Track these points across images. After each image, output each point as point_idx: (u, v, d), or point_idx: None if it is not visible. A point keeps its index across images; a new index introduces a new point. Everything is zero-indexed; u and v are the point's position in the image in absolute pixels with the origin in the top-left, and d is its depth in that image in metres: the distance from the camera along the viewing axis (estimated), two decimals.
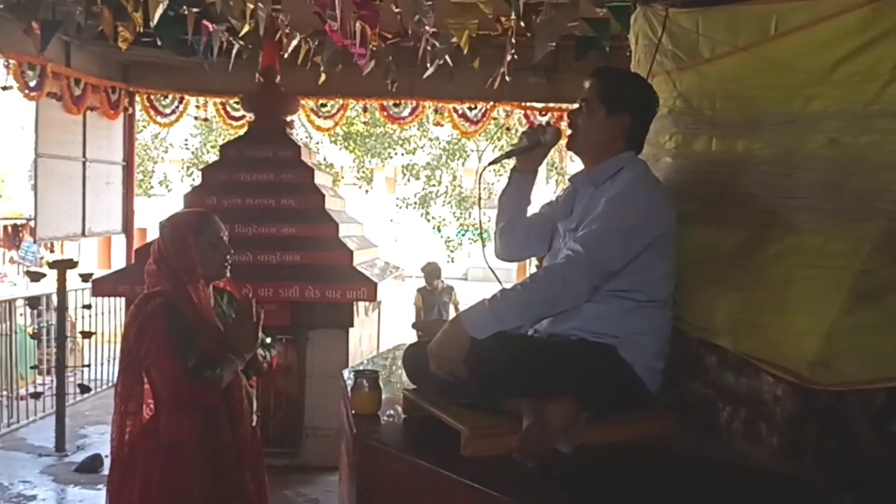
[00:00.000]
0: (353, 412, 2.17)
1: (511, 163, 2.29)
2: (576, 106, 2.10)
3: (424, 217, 16.80)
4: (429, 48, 4.76)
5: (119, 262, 13.65)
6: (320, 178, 5.57)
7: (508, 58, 4.96)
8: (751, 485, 1.78)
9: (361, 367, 2.56)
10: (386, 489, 1.96)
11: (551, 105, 7.29)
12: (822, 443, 1.71)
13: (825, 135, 1.84)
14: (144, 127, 11.95)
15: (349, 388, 2.30)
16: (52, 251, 11.04)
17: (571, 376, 1.89)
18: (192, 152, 16.60)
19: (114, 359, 7.32)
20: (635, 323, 1.96)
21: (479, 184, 2.81)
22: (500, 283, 2.29)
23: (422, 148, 16.32)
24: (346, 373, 2.62)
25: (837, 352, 1.71)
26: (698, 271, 2.09)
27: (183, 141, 16.66)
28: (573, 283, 1.87)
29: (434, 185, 16.60)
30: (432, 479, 1.82)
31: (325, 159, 15.83)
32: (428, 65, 4.92)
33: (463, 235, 16.97)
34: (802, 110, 1.89)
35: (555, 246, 2.15)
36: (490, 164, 2.36)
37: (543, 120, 7.10)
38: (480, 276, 21.87)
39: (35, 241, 8.27)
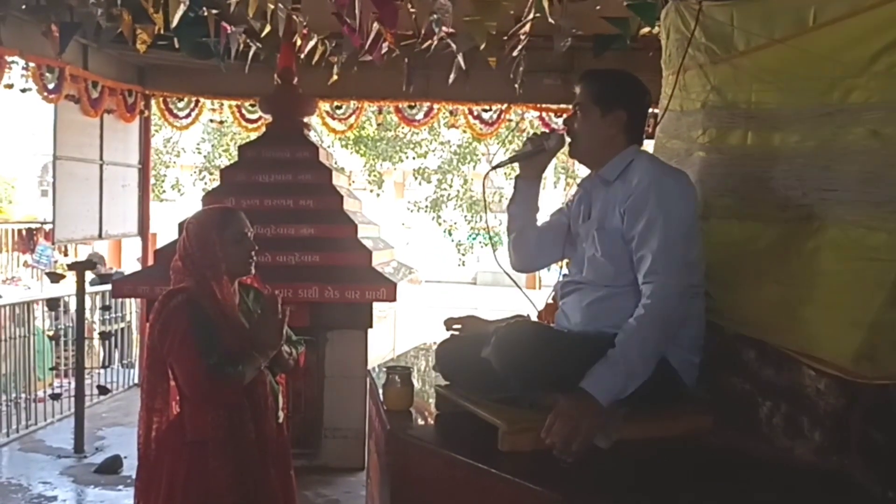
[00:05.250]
0: (386, 408, 2.16)
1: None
2: (570, 113, 2.11)
3: (436, 221, 16.77)
4: (443, 49, 4.75)
5: (130, 264, 13.71)
6: (337, 180, 5.56)
7: (519, 50, 4.92)
8: (793, 480, 1.76)
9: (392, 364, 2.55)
10: (421, 485, 1.95)
11: (566, 106, 7.27)
12: (866, 437, 1.69)
13: (866, 126, 1.82)
14: (156, 131, 11.96)
15: (380, 385, 2.29)
16: (65, 254, 11.07)
17: None
18: (205, 157, 16.61)
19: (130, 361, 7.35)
20: None
21: (485, 187, 2.81)
22: (516, 285, 2.30)
23: (433, 151, 16.28)
24: (374, 370, 2.61)
25: (881, 345, 1.69)
26: (735, 266, 2.07)
27: (195, 146, 16.67)
28: (673, 306, 1.87)
29: (445, 189, 16.57)
30: (470, 474, 1.81)
31: (336, 163, 15.78)
32: (451, 74, 4.88)
33: (474, 239, 16.92)
34: (842, 102, 1.87)
35: (578, 251, 2.13)
36: (494, 167, 2.38)
37: (559, 121, 7.09)
38: (490, 281, 21.84)
39: (53, 244, 8.27)
